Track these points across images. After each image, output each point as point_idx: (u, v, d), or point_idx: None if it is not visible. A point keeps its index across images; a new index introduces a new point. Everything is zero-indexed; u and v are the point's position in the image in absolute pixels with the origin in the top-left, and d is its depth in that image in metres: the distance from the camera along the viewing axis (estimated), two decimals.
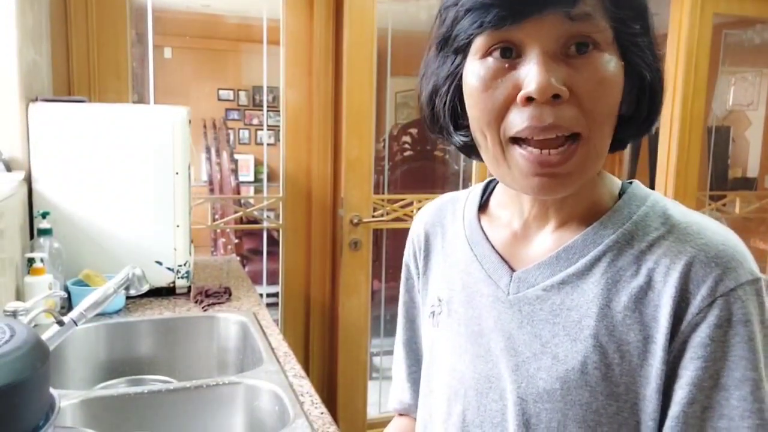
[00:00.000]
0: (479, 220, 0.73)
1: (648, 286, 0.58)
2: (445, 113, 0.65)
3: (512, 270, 0.66)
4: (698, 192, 2.95)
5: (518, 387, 0.62)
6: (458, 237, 0.74)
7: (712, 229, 0.60)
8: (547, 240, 0.66)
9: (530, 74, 0.55)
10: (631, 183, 0.66)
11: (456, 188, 3.50)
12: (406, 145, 3.60)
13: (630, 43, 0.58)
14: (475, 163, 2.97)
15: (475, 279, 0.69)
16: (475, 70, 0.59)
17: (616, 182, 0.67)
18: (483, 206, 0.74)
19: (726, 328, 0.55)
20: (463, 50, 0.61)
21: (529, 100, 0.55)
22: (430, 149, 3.63)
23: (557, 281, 0.62)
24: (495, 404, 0.64)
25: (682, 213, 0.62)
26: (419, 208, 2.65)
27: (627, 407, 0.58)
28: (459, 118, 0.65)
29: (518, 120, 0.57)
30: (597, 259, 0.61)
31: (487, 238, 0.70)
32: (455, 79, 0.63)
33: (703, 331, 0.55)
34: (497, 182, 0.74)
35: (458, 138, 0.67)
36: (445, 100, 0.65)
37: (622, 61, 0.58)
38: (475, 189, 0.77)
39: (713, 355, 0.55)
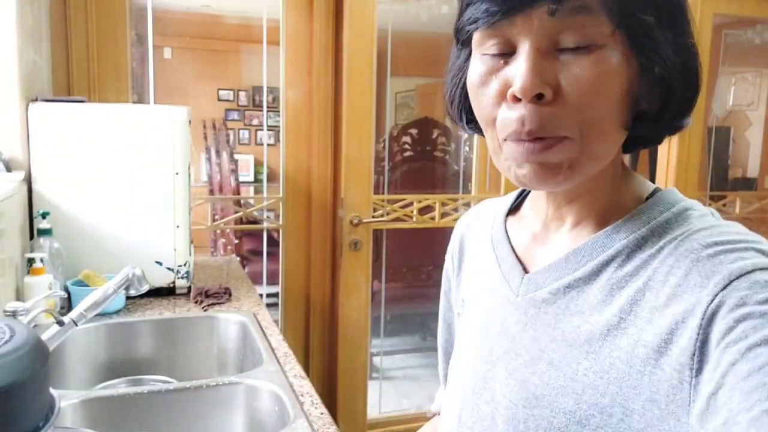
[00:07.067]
0: (505, 222, 0.72)
1: (646, 286, 0.54)
2: (456, 104, 0.65)
3: (526, 272, 0.65)
4: (698, 192, 2.95)
5: (510, 391, 0.60)
6: (485, 239, 0.74)
7: (726, 229, 0.54)
8: (562, 241, 0.63)
9: (517, 72, 0.54)
10: (665, 189, 0.62)
11: (456, 189, 3.50)
12: (406, 146, 3.59)
13: (641, 35, 0.53)
14: (474, 163, 2.97)
15: (493, 280, 0.69)
16: (475, 65, 0.59)
17: (646, 186, 0.63)
18: (516, 209, 0.73)
19: (748, 316, 0.46)
20: (468, 43, 0.60)
21: (517, 98, 0.54)
22: (430, 149, 3.63)
23: (564, 285, 0.60)
24: (487, 406, 0.63)
25: (704, 219, 0.57)
26: (419, 209, 2.66)
27: (612, 422, 0.52)
28: (470, 111, 0.63)
29: (507, 121, 0.55)
30: (605, 264, 0.58)
31: (509, 240, 0.69)
32: (463, 72, 0.62)
33: (722, 324, 0.47)
34: None
35: (468, 129, 0.66)
36: (455, 92, 0.65)
37: (636, 56, 0.54)
38: (512, 193, 0.75)
39: (753, 336, 0.45)
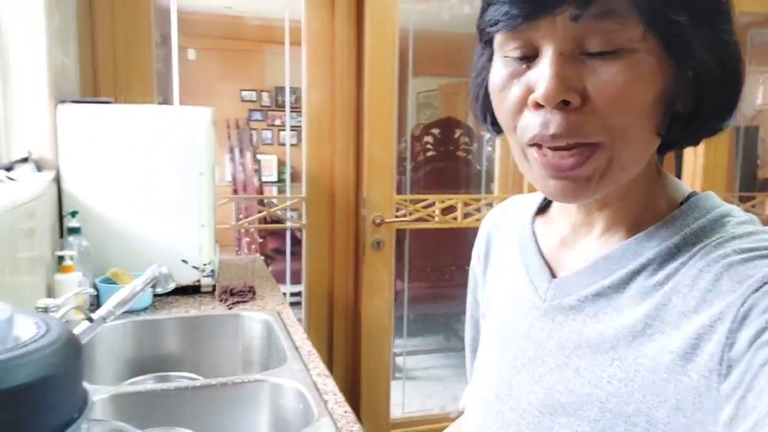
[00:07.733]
0: (533, 223, 0.70)
1: (672, 290, 0.52)
2: (480, 104, 0.63)
3: (554, 276, 0.63)
4: (726, 193, 2.91)
5: (536, 398, 0.59)
6: (512, 239, 0.72)
7: (764, 236, 0.51)
8: (592, 247, 0.61)
9: (541, 78, 0.51)
10: (702, 193, 0.59)
11: (478, 189, 3.49)
12: (429, 146, 3.59)
13: (673, 36, 0.50)
14: (497, 163, 2.96)
15: (519, 283, 0.67)
16: (497, 67, 0.57)
17: (682, 189, 0.60)
18: (545, 208, 0.71)
19: None
20: (490, 43, 0.58)
21: (539, 104, 0.52)
22: (452, 149, 3.62)
23: (592, 292, 0.58)
24: (512, 413, 0.62)
25: (742, 226, 0.54)
26: (442, 209, 2.65)
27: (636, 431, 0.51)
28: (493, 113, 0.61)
29: (529, 126, 0.53)
30: (636, 273, 0.55)
31: (537, 242, 0.67)
32: (487, 71, 0.60)
33: (753, 326, 0.45)
34: None
35: (493, 130, 0.64)
36: (479, 92, 0.62)
37: (668, 57, 0.51)
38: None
39: None
